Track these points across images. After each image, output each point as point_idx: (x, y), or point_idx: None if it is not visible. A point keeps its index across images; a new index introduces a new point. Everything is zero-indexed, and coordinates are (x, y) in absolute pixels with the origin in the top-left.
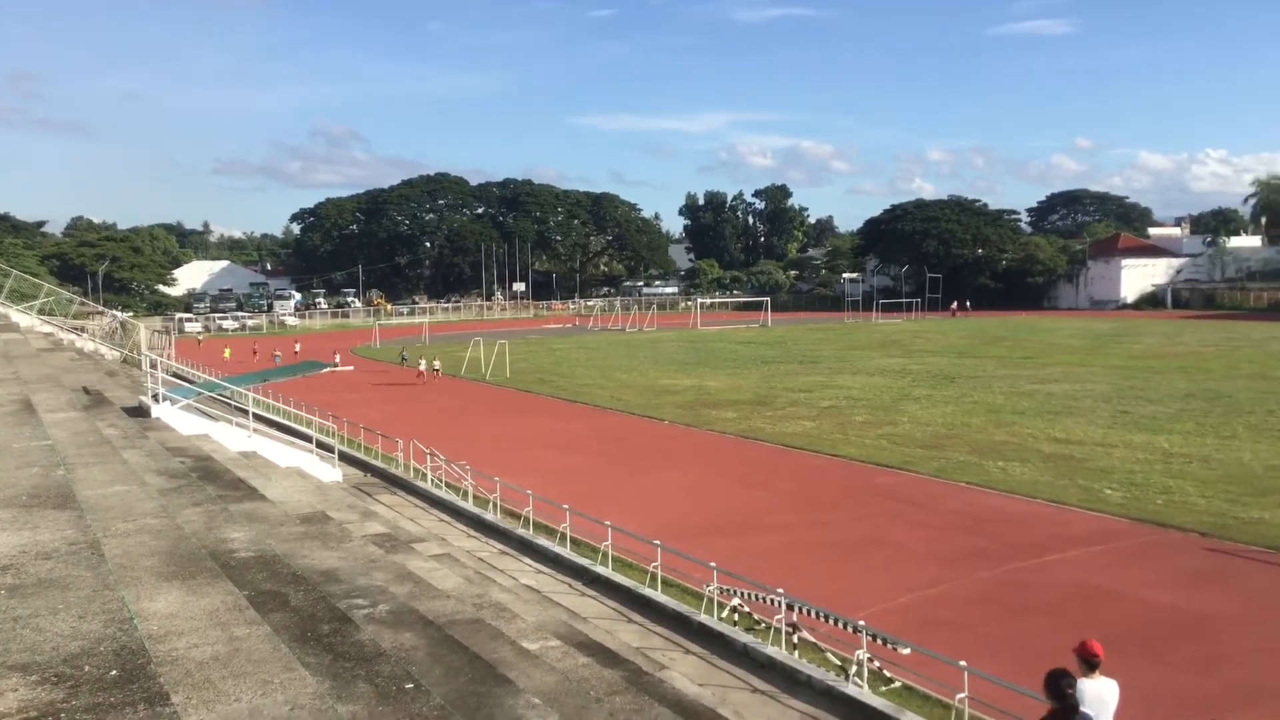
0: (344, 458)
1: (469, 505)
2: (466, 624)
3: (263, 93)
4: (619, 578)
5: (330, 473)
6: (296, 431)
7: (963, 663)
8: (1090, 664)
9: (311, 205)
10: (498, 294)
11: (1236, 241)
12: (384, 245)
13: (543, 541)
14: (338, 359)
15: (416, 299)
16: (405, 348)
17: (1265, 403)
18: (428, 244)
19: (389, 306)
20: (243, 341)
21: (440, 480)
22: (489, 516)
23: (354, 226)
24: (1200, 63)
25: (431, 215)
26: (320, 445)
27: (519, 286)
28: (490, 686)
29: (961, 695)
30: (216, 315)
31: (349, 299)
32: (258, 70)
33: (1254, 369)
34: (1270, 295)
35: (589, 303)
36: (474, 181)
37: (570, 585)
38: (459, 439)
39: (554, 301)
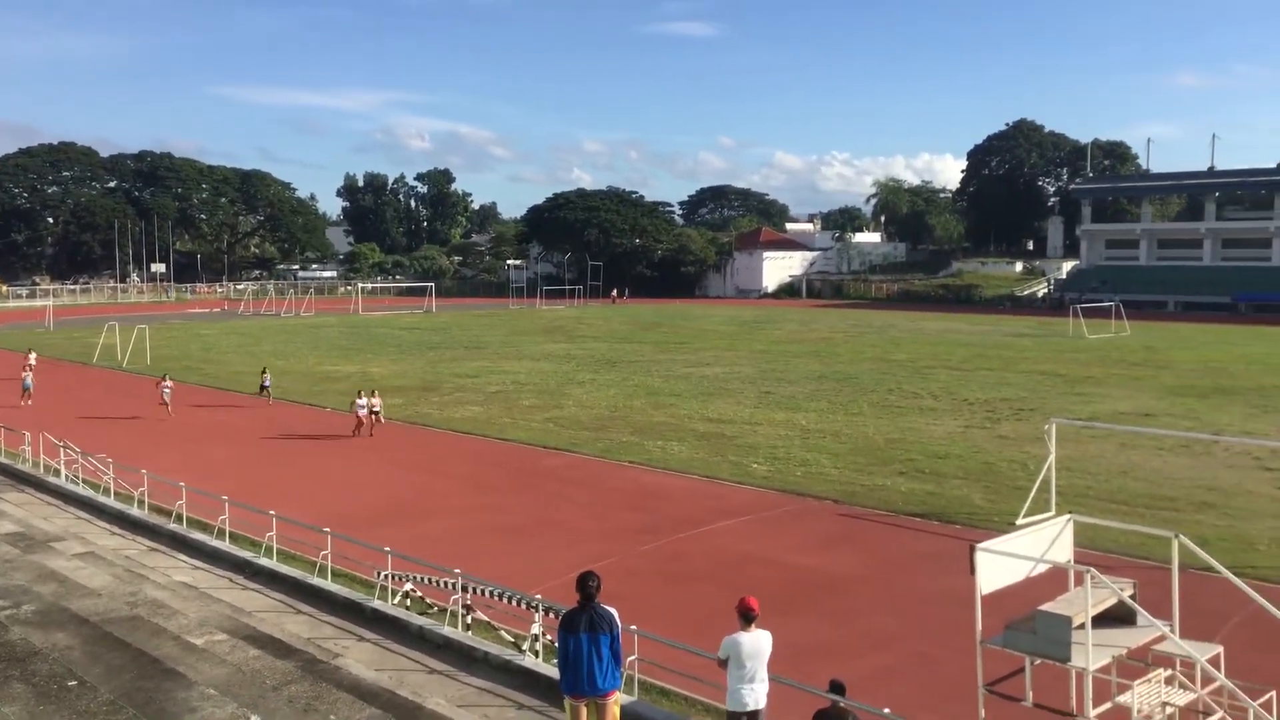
0: None
1: (111, 501)
2: (124, 622)
3: None
4: (285, 569)
5: None
6: None
7: (634, 627)
8: (748, 618)
9: None
10: (134, 275)
11: (860, 237)
12: None
13: (198, 536)
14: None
15: (37, 279)
16: (266, 369)
17: (886, 383)
18: (50, 219)
19: (4, 288)
20: None
21: (77, 476)
22: (135, 512)
23: None
24: (826, 71)
25: (55, 188)
26: None
27: (158, 268)
28: (159, 681)
29: (631, 658)
30: None
31: None
32: None
33: (876, 353)
34: (889, 286)
35: (239, 286)
36: (103, 153)
37: (232, 580)
38: (98, 433)
39: (199, 284)
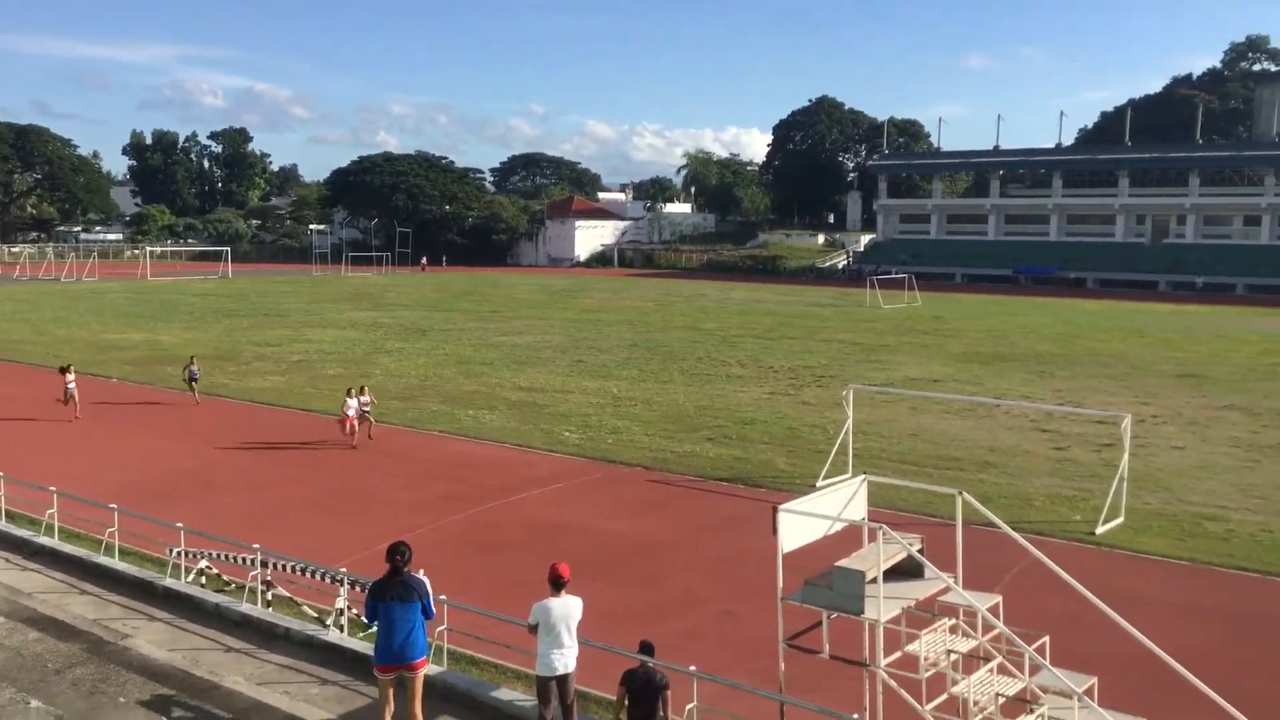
0: None
1: None
2: None
3: None
4: (68, 548)
5: None
6: None
7: (444, 596)
8: (558, 584)
9: None
10: None
11: (671, 208)
12: None
13: None
14: None
15: None
16: (194, 357)
17: (695, 351)
18: None
19: None
20: None
21: None
22: None
23: None
24: (636, 40)
25: None
26: None
27: None
28: None
29: (441, 628)
30: None
31: None
32: None
33: (686, 322)
34: (699, 256)
35: (14, 249)
36: None
37: (8, 560)
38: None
39: None
